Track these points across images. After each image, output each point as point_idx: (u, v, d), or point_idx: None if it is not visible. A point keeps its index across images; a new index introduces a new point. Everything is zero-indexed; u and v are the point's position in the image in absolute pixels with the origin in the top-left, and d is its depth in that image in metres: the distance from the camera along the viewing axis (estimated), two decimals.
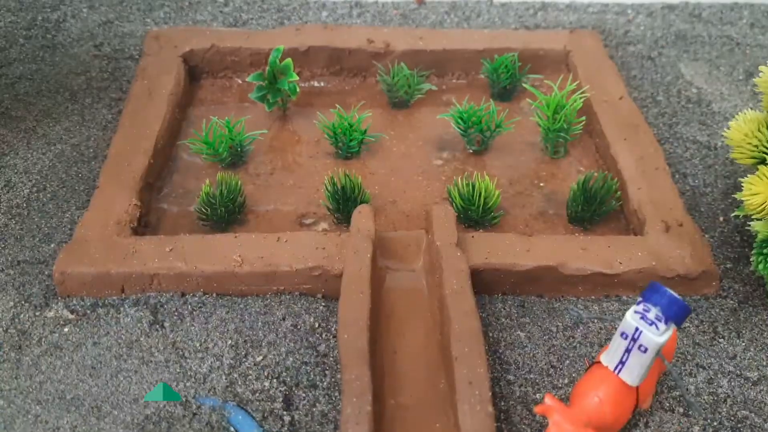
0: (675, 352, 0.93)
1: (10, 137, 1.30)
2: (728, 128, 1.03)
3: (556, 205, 1.24)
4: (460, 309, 0.88)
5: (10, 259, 1.08)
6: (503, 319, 1.03)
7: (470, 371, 0.80)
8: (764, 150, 0.99)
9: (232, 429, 0.87)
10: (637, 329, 0.71)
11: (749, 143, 1.00)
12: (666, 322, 0.69)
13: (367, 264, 0.94)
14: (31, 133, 1.31)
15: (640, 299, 0.71)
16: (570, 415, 0.73)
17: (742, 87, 1.48)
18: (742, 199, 0.95)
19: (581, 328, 1.01)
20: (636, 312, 0.71)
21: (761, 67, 1.00)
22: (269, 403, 0.90)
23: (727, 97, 1.46)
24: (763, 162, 0.98)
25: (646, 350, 0.72)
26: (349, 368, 0.80)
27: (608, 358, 0.77)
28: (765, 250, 0.92)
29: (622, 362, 0.75)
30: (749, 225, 1.02)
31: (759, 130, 1.00)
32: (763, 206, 0.92)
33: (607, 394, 0.76)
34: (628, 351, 0.74)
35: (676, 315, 0.69)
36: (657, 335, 0.70)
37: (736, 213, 1.02)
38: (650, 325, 0.70)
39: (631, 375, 0.75)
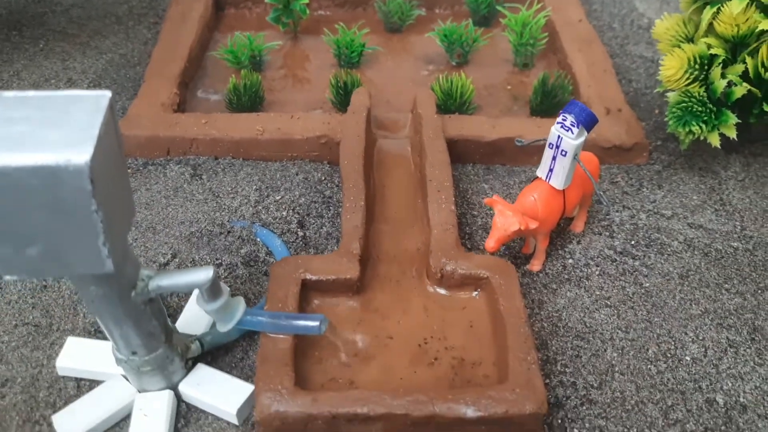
0: (600, 177, 1.19)
1: (68, 48, 1.56)
2: (654, 26, 1.29)
3: (521, 104, 1.49)
4: (434, 148, 1.14)
5: None
6: (472, 177, 1.28)
7: (439, 184, 1.06)
8: (680, 39, 1.25)
9: (258, 240, 1.13)
10: (558, 137, 0.97)
11: (669, 34, 1.26)
12: (578, 126, 0.94)
13: (363, 119, 1.20)
14: (86, 45, 1.58)
15: (560, 112, 0.96)
16: (510, 206, 0.99)
17: None
18: (661, 78, 1.21)
19: None
20: (557, 122, 0.96)
21: None
22: (286, 225, 1.15)
23: None
24: (678, 47, 1.23)
25: (566, 154, 0.97)
26: (348, 180, 1.06)
27: (541, 170, 1.02)
28: (674, 109, 1.18)
29: (550, 170, 1.01)
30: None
31: (677, 25, 1.26)
32: (673, 77, 1.18)
33: (540, 194, 1.01)
34: (554, 159, 0.99)
35: (585, 120, 0.93)
36: (572, 139, 0.95)
37: (657, 89, 1.27)
38: (567, 131, 0.95)
39: (557, 179, 1.01)
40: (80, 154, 0.59)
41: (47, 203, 0.61)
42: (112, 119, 0.64)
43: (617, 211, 1.20)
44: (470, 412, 0.77)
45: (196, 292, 0.79)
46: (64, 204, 0.61)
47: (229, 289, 0.82)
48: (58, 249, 0.65)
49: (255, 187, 1.23)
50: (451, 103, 1.40)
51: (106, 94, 0.63)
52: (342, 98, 1.41)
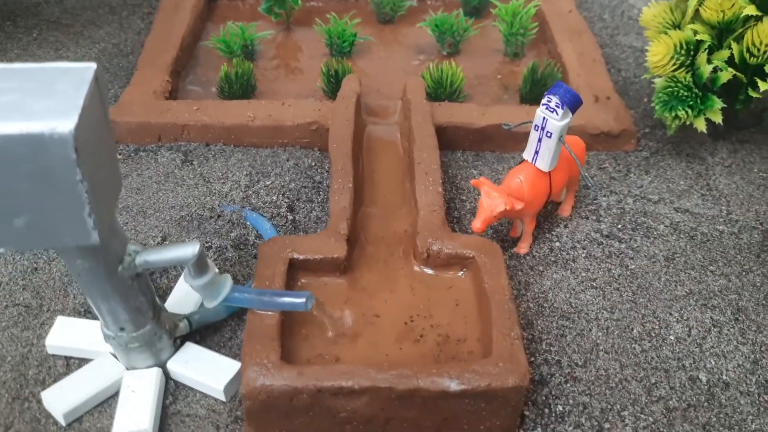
0: (586, 162, 1.21)
1: (62, 38, 1.57)
2: (642, 12, 1.30)
3: (511, 93, 1.50)
4: (423, 132, 1.15)
5: None
6: (461, 163, 1.29)
7: (426, 167, 1.07)
8: (666, 26, 1.26)
9: (248, 223, 1.14)
10: (544, 119, 0.98)
11: (657, 21, 1.27)
12: (563, 107, 0.95)
13: (353, 104, 1.21)
14: (79, 35, 1.59)
15: (545, 94, 0.97)
16: (496, 188, 1.00)
17: None
18: (648, 64, 1.22)
19: None
20: (542, 104, 0.97)
21: None
22: (276, 209, 1.16)
23: None
24: (665, 33, 1.25)
25: (551, 135, 0.98)
26: (337, 162, 1.07)
27: (527, 152, 1.03)
28: (660, 94, 1.19)
29: (536, 152, 1.02)
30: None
31: (665, 12, 1.27)
32: (660, 63, 1.19)
33: (526, 176, 1.02)
34: (539, 141, 1.00)
35: (570, 101, 0.94)
36: (557, 120, 0.96)
37: (645, 76, 1.28)
38: (552, 112, 0.96)
39: (543, 161, 1.02)
40: (65, 123, 0.60)
41: (34, 173, 0.62)
42: (97, 91, 0.65)
43: (604, 196, 1.21)
44: (454, 386, 0.78)
45: (186, 270, 0.80)
46: (50, 173, 0.62)
47: (215, 267, 0.83)
48: (44, 220, 0.66)
49: (245, 172, 1.24)
50: (441, 92, 1.41)
51: (92, 66, 0.64)
52: (333, 86, 1.42)
